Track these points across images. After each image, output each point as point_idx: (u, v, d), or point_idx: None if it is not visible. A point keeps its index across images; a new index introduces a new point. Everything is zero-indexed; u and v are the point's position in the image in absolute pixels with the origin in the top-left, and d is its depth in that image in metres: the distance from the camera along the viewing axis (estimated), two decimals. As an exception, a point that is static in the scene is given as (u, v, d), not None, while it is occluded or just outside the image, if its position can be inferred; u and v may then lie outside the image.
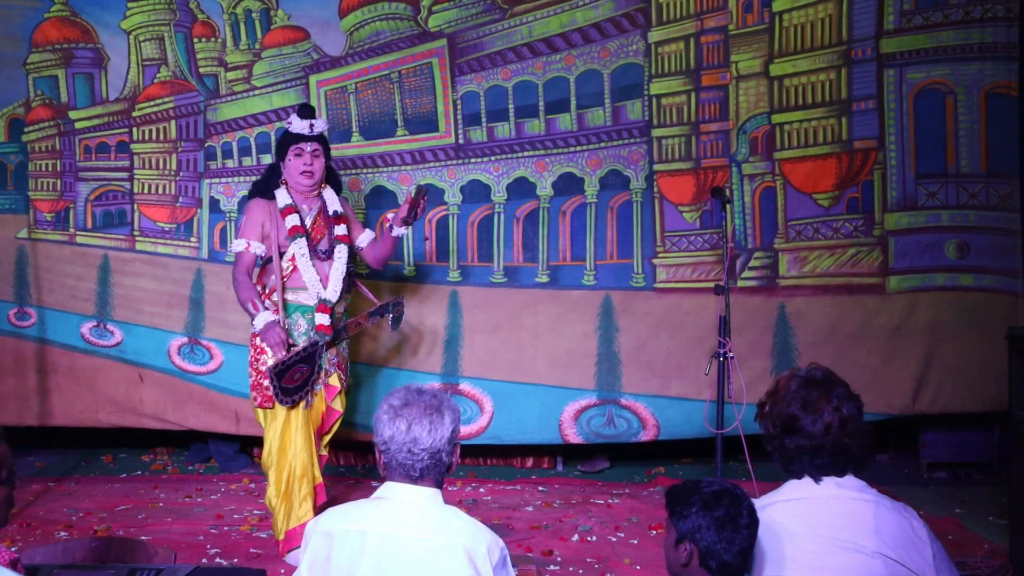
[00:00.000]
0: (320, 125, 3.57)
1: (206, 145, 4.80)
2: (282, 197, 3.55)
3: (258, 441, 4.90)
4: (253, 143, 4.79)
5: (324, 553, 1.90)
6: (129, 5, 4.74)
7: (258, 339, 3.46)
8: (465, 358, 4.66)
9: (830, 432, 1.97)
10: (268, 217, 3.51)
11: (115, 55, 4.79)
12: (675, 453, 4.91)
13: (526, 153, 4.69)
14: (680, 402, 4.53)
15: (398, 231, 3.64)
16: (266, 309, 3.42)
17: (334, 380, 3.57)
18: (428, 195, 3.67)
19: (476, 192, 4.71)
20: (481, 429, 4.62)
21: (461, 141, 4.70)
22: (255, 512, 4.06)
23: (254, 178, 4.72)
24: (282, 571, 3.29)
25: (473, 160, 4.70)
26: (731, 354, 3.72)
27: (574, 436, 4.61)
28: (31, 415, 4.70)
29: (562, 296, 4.66)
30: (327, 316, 3.49)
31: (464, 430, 4.59)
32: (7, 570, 1.75)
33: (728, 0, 4.59)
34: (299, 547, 2.42)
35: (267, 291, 3.52)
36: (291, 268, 3.51)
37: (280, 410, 3.43)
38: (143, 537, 3.52)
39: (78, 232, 4.81)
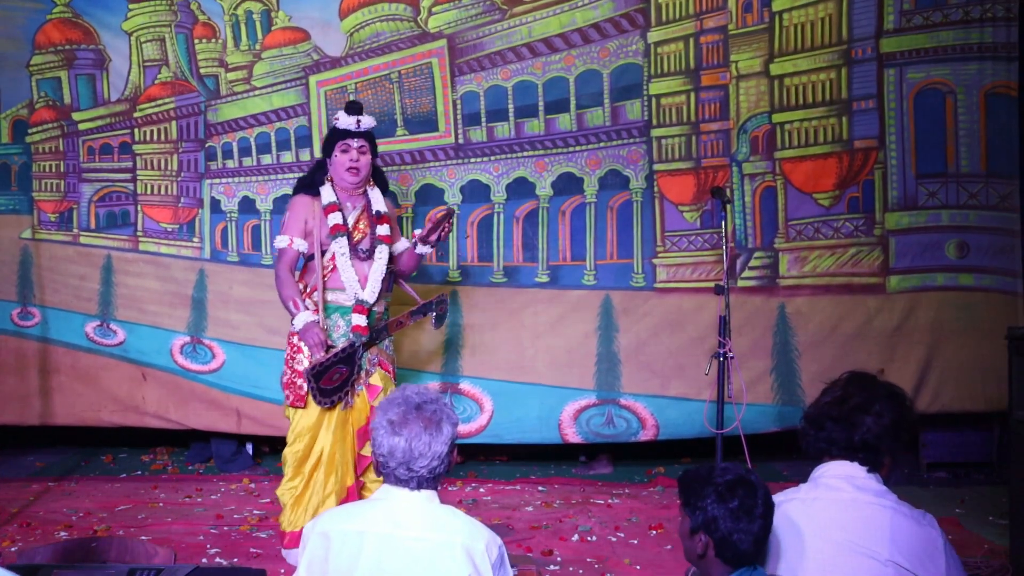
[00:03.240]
0: (367, 122, 3.46)
1: (206, 145, 4.78)
2: (326, 194, 3.45)
3: (259, 440, 4.91)
4: (253, 143, 4.77)
5: (322, 554, 1.89)
6: (130, 6, 4.73)
7: (295, 337, 3.39)
8: (465, 357, 4.64)
9: (846, 403, 1.99)
10: (311, 214, 3.42)
11: (116, 56, 4.77)
12: (675, 453, 4.88)
13: (525, 153, 4.66)
14: (680, 402, 4.50)
15: (421, 249, 3.56)
16: (307, 308, 3.36)
17: (376, 379, 3.46)
18: (454, 218, 3.55)
19: (476, 192, 4.69)
20: (481, 428, 4.60)
21: (461, 141, 4.67)
22: (255, 512, 4.03)
23: (254, 178, 4.77)
24: (282, 571, 3.27)
25: (473, 160, 4.67)
26: (731, 354, 3.70)
27: (573, 436, 4.58)
28: (33, 415, 4.68)
29: (562, 296, 4.64)
30: (364, 317, 3.40)
31: (464, 429, 4.56)
32: None
33: (727, 0, 4.56)
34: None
35: (308, 290, 3.45)
36: (331, 267, 3.43)
37: (313, 408, 3.36)
38: (143, 537, 3.52)
39: (82, 232, 4.80)
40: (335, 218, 3.42)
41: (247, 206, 4.78)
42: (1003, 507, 3.61)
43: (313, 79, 4.72)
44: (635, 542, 3.66)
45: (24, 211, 4.80)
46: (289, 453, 3.43)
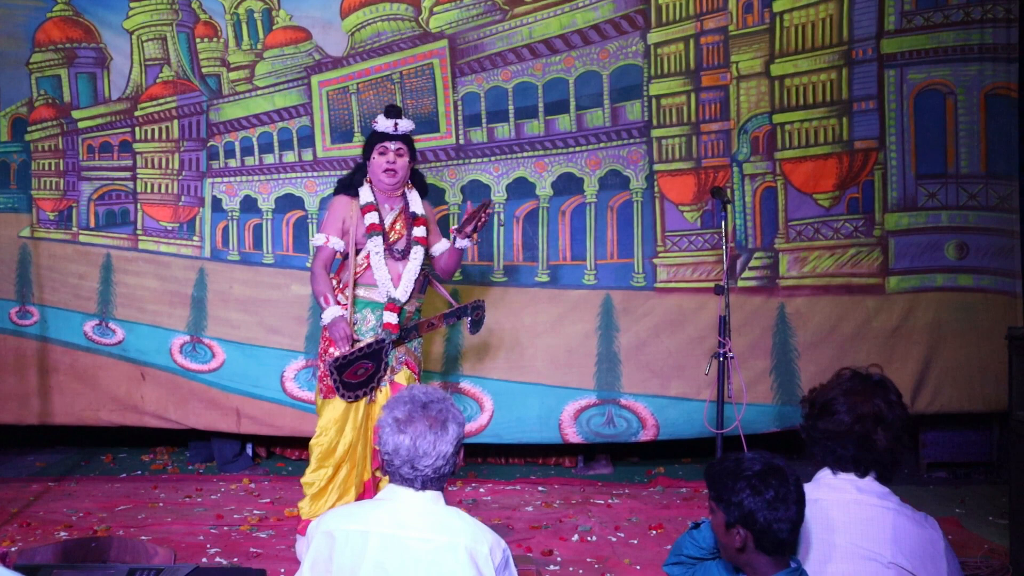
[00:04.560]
0: (405, 125, 3.54)
1: (208, 145, 4.77)
2: (364, 194, 3.55)
3: (259, 440, 4.92)
4: (255, 143, 4.76)
5: (326, 553, 1.89)
6: (131, 5, 4.71)
7: (327, 332, 3.47)
8: (465, 357, 4.64)
9: (861, 423, 1.95)
10: (349, 213, 3.53)
11: (117, 55, 4.76)
12: (675, 453, 4.88)
13: (525, 153, 4.67)
14: (680, 402, 4.50)
15: (460, 243, 3.56)
16: (338, 303, 3.44)
17: (401, 377, 3.50)
18: (491, 207, 3.58)
19: (476, 192, 4.68)
20: (481, 428, 4.60)
21: (461, 142, 4.67)
22: (255, 512, 4.02)
23: (256, 178, 4.77)
24: (282, 571, 3.26)
25: (473, 160, 4.68)
26: (731, 354, 3.70)
27: (574, 436, 4.58)
28: (32, 414, 4.67)
29: (562, 296, 4.64)
30: (395, 315, 3.47)
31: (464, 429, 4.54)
32: None
33: (728, 1, 4.56)
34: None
35: (340, 286, 3.53)
36: (365, 265, 3.51)
37: (339, 402, 3.42)
38: (143, 537, 3.49)
39: (81, 231, 4.79)
40: (371, 217, 3.52)
41: (249, 205, 4.77)
42: (1003, 507, 3.63)
43: (315, 79, 4.71)
44: (635, 542, 3.65)
45: (23, 209, 4.79)
46: (315, 444, 3.48)
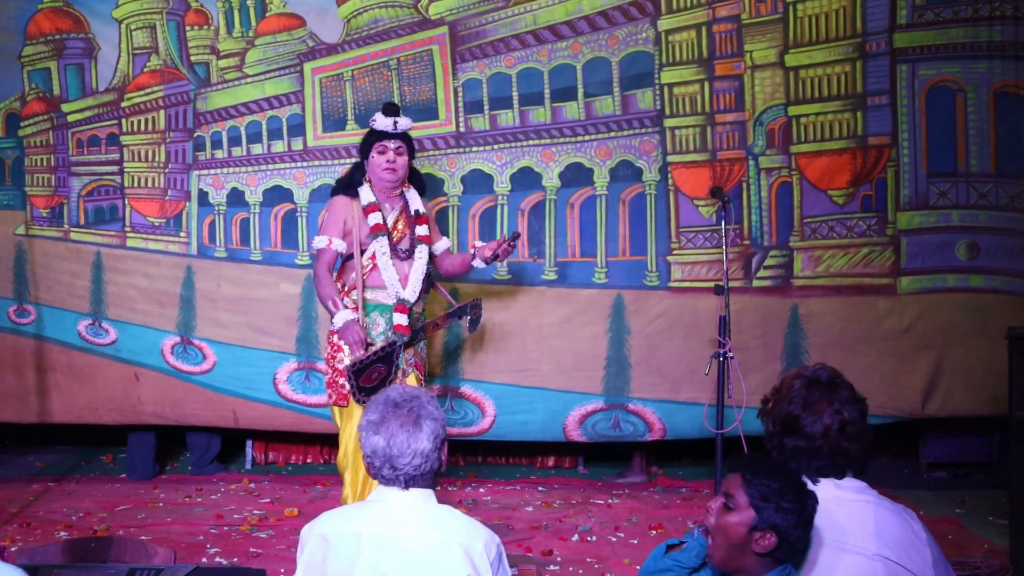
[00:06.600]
0: (404, 123, 3.93)
1: (195, 135, 5.23)
2: (365, 195, 3.93)
3: (256, 436, 5.41)
4: (244, 132, 5.21)
5: (320, 557, 2.10)
6: (121, -7, 5.25)
7: (335, 336, 3.84)
8: (466, 360, 5.04)
9: (829, 435, 2.17)
10: (350, 214, 3.89)
11: (106, 44, 5.26)
12: (675, 454, 5.39)
13: (531, 142, 5.07)
14: (689, 407, 4.86)
15: (478, 263, 4.05)
16: (345, 307, 3.80)
17: (411, 380, 3.87)
18: (517, 240, 4.05)
19: (478, 182, 5.11)
20: (482, 432, 5.04)
21: (462, 129, 5.10)
22: (255, 512, 4.58)
23: (244, 169, 5.21)
24: (282, 571, 3.73)
25: (475, 149, 5.10)
26: (731, 354, 4.10)
27: (577, 438, 5.02)
28: (31, 413, 5.17)
29: (570, 295, 5.01)
30: (405, 316, 3.85)
31: (464, 432, 5.01)
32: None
33: (740, -11, 5.06)
34: None
35: (346, 289, 3.90)
36: (371, 267, 3.88)
37: (355, 409, 3.76)
38: (143, 537, 3.94)
39: (72, 228, 5.26)
40: (375, 218, 3.90)
41: (236, 198, 5.21)
42: (1003, 507, 4.08)
43: (308, 66, 5.16)
44: (635, 542, 4.17)
45: (18, 206, 5.28)
46: (341, 464, 3.88)
